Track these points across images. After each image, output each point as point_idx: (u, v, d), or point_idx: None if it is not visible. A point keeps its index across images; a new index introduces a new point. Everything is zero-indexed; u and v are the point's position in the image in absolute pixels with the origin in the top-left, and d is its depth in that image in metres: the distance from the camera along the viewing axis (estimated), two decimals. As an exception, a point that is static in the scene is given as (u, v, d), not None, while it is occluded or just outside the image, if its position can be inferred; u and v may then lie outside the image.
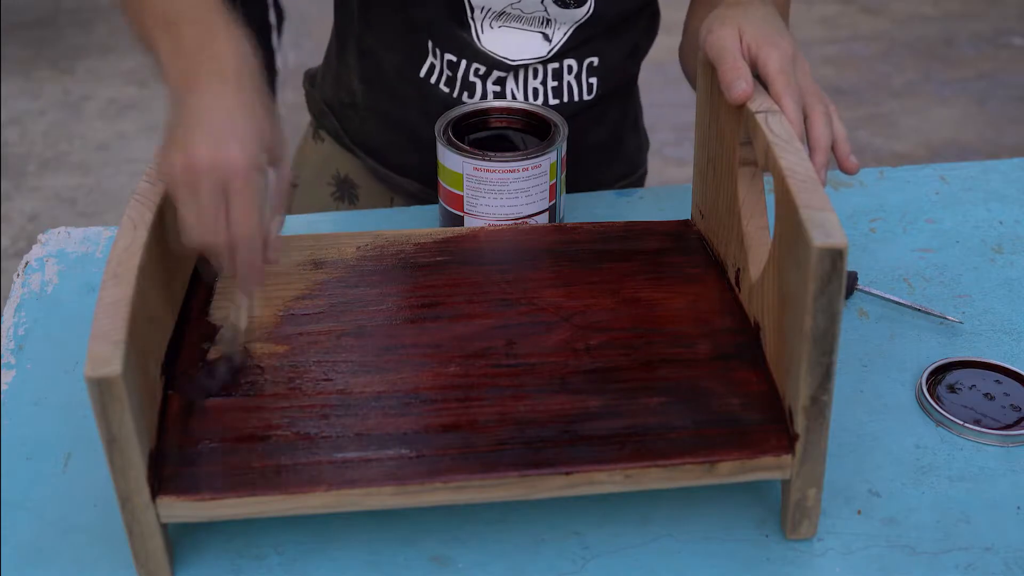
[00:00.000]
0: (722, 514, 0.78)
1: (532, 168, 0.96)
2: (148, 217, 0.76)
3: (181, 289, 0.85)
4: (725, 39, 0.83)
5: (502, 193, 0.97)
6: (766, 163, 0.77)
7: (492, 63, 1.05)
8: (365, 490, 0.71)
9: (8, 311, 0.97)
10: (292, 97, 2.53)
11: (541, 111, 1.02)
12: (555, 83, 1.07)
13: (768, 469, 0.73)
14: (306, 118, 1.23)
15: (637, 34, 1.10)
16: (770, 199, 0.79)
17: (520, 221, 0.98)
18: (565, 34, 1.04)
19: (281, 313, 0.84)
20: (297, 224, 1.08)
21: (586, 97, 1.08)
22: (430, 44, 1.05)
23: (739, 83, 0.81)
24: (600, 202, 1.11)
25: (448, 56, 1.05)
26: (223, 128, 0.74)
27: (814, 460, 0.73)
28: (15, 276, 1.02)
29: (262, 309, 0.84)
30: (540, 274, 0.89)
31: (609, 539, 0.76)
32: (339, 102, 1.16)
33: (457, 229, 0.96)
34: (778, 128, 0.77)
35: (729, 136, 0.85)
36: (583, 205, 1.10)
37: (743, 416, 0.75)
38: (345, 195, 1.19)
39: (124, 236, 0.74)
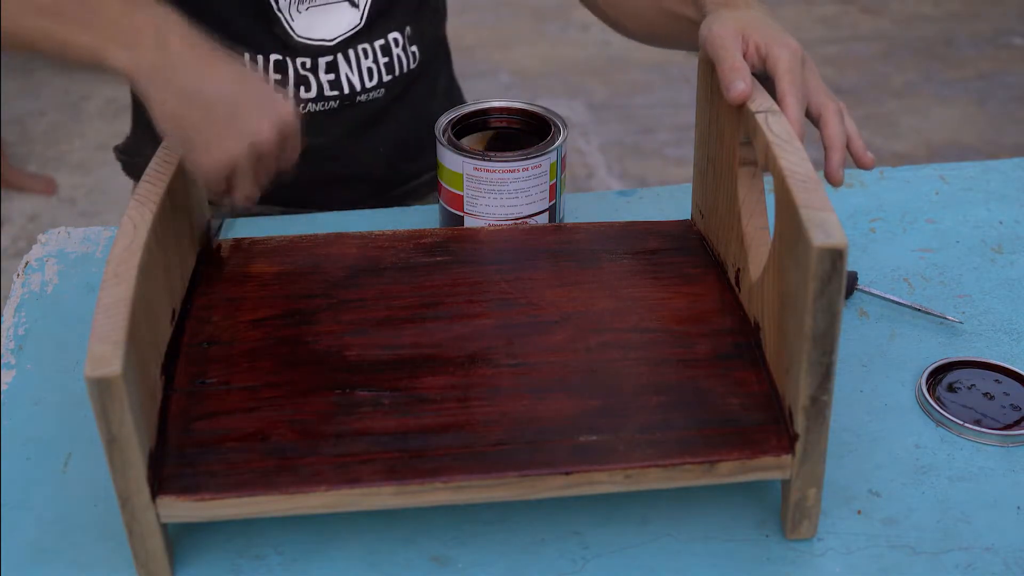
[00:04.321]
0: (722, 514, 0.78)
1: (532, 168, 0.96)
2: (148, 217, 0.76)
3: (181, 288, 0.85)
4: (725, 39, 0.83)
5: (502, 193, 0.97)
6: (766, 163, 0.77)
7: (313, 51, 1.06)
8: (365, 490, 0.71)
9: (8, 311, 0.97)
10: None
11: (541, 111, 1.02)
12: (386, 59, 1.09)
13: (768, 469, 0.73)
14: None
15: None
16: (770, 199, 0.79)
17: (520, 221, 0.98)
18: None
19: (280, 313, 0.84)
20: (297, 224, 1.08)
21: (411, 67, 1.11)
22: (247, 56, 1.04)
23: (738, 83, 0.81)
24: (600, 202, 1.11)
25: (274, 56, 1.05)
26: (259, 94, 0.78)
27: (814, 460, 0.73)
28: (15, 276, 1.02)
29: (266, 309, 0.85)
30: (540, 274, 0.89)
31: (609, 539, 0.76)
32: None
33: (457, 229, 0.96)
34: (778, 128, 0.77)
35: (729, 136, 0.85)
36: (583, 205, 1.10)
37: (743, 416, 0.75)
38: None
39: (124, 236, 0.74)
